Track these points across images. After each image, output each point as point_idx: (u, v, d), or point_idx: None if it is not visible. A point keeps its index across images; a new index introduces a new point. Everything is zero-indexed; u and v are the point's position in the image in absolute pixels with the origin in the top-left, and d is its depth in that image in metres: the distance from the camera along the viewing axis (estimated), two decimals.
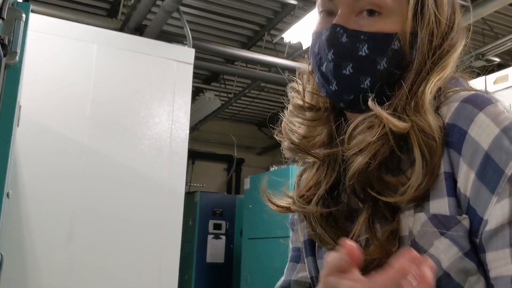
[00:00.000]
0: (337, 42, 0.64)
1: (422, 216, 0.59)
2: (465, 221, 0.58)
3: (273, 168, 4.98)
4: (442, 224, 0.58)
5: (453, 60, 0.65)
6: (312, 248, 0.76)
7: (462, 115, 0.59)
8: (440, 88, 0.64)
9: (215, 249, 5.70)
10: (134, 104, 2.68)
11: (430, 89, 0.61)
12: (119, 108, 2.64)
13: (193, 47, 3.16)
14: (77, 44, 2.59)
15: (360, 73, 0.64)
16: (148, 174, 2.63)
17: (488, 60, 4.66)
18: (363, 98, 0.64)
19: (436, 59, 0.64)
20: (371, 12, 0.64)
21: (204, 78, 5.90)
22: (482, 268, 0.58)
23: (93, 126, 2.54)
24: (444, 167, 0.59)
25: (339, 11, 0.65)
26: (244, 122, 7.38)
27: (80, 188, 2.45)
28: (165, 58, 2.82)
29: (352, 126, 0.63)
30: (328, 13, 0.68)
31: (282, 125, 0.75)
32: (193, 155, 6.82)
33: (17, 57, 0.86)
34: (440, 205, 0.59)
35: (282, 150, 0.76)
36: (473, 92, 0.61)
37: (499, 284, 0.55)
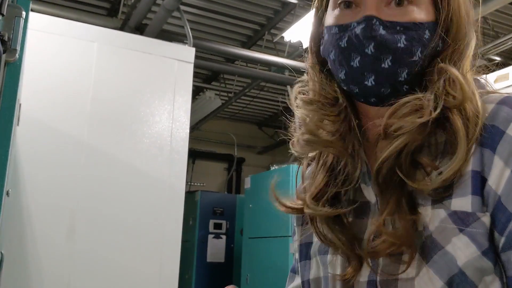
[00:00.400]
0: (376, 34, 0.61)
1: (441, 212, 0.59)
2: (485, 218, 0.57)
3: (273, 167, 4.99)
4: (461, 220, 0.58)
5: (472, 52, 0.66)
6: (307, 251, 0.75)
7: (500, 116, 0.59)
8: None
9: (216, 248, 5.70)
10: (134, 102, 2.68)
11: (469, 76, 0.63)
12: (119, 107, 2.64)
13: (193, 46, 3.16)
14: (78, 42, 2.59)
15: (398, 66, 0.62)
16: (149, 172, 2.63)
17: (488, 59, 4.66)
18: (398, 90, 0.63)
19: (462, 49, 0.64)
20: (400, 2, 0.63)
21: (205, 78, 5.90)
22: (498, 268, 0.57)
23: (93, 125, 2.54)
24: (472, 165, 0.59)
25: (366, 2, 0.63)
26: (244, 121, 7.38)
27: (80, 187, 2.45)
28: (165, 57, 2.82)
29: (391, 110, 0.62)
30: (347, 4, 0.65)
31: (300, 115, 0.70)
32: (194, 155, 6.82)
33: (17, 54, 0.85)
34: (462, 203, 0.58)
35: (295, 144, 0.71)
36: (506, 95, 0.62)
37: None
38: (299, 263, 0.78)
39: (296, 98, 0.72)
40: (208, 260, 5.64)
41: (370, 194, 0.67)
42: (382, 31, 0.62)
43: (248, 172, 6.65)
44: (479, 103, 0.61)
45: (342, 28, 0.64)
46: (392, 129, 0.61)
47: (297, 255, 0.80)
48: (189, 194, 5.83)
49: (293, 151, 0.74)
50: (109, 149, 2.55)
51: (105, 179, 2.51)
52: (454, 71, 0.61)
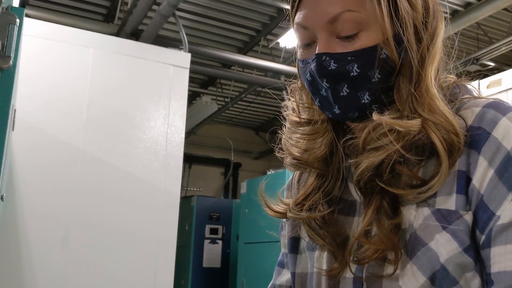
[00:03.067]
0: (326, 71, 0.64)
1: (425, 210, 0.61)
2: (467, 216, 0.59)
3: (270, 172, 4.99)
4: (444, 218, 0.60)
5: (439, 44, 0.66)
6: (295, 245, 0.78)
7: (486, 118, 0.61)
8: (446, 87, 0.67)
9: (212, 253, 5.69)
10: (130, 108, 2.69)
11: (432, 83, 0.63)
12: (115, 112, 2.65)
13: (189, 51, 3.18)
14: (73, 48, 2.60)
15: (357, 91, 0.64)
16: (144, 178, 2.63)
17: (482, 65, 4.69)
18: (366, 111, 0.65)
19: (424, 50, 0.64)
20: (347, 36, 0.64)
21: (201, 82, 5.92)
22: (478, 265, 0.59)
23: (88, 130, 2.55)
24: (459, 166, 0.61)
25: (318, 38, 0.65)
26: (241, 126, 7.40)
27: (76, 192, 2.45)
28: (161, 63, 2.84)
29: (366, 132, 0.64)
30: (307, 44, 0.68)
31: (282, 141, 0.76)
32: (190, 159, 6.83)
33: (11, 61, 0.87)
34: (447, 201, 0.60)
35: (285, 166, 0.77)
36: (492, 99, 0.64)
37: (502, 279, 0.56)
38: (287, 256, 0.80)
39: (286, 117, 0.77)
40: (204, 265, 5.63)
41: (356, 193, 0.69)
42: (333, 66, 0.64)
43: (244, 177, 6.66)
44: (449, 116, 0.61)
45: (304, 63, 0.69)
46: (369, 148, 0.64)
47: (285, 249, 0.83)
48: (185, 199, 5.83)
49: (288, 169, 0.79)
50: (104, 155, 2.56)
51: (100, 185, 2.52)
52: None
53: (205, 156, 7.12)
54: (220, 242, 5.75)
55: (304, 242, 0.76)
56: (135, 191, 2.60)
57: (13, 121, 1.41)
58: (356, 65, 0.63)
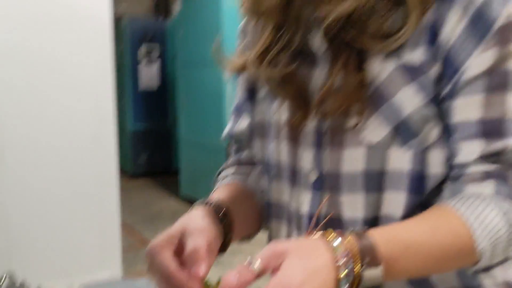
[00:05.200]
0: None
1: (391, 64, 0.60)
2: (434, 69, 0.58)
3: None
4: (410, 71, 0.59)
5: None
6: (252, 93, 0.76)
7: None
8: None
9: (148, 76, 5.62)
10: None
11: None
12: None
13: None
14: None
15: None
16: (68, 6, 2.38)
17: None
18: None
19: None
20: None
21: None
22: (437, 116, 0.60)
23: None
24: (428, 18, 0.58)
25: None
26: None
27: None
28: None
29: None
30: None
31: None
32: None
33: None
34: (414, 54, 0.59)
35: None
36: None
37: (465, 128, 0.58)
38: (244, 104, 0.79)
39: None
40: (141, 88, 5.61)
41: (318, 45, 0.65)
42: None
43: None
44: None
45: None
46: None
47: (241, 94, 0.81)
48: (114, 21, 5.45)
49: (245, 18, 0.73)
50: None
51: (22, 23, 2.27)
52: None
53: None
54: (156, 64, 5.63)
55: (263, 91, 0.73)
56: (62, 19, 2.38)
57: None
58: None
